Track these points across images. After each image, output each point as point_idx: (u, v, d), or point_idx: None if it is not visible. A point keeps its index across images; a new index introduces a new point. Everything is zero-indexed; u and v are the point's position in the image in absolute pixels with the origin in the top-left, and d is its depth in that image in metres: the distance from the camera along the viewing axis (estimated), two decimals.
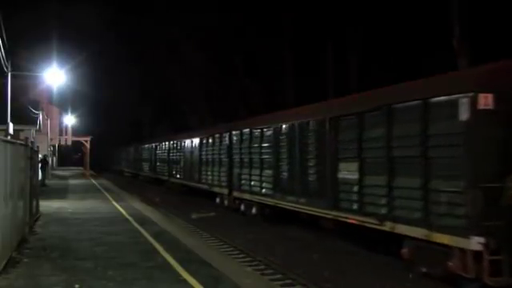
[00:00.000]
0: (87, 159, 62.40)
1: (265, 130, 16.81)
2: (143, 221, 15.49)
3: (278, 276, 10.29)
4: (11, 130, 23.93)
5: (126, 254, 10.13)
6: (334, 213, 12.04)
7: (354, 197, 11.34)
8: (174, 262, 9.36)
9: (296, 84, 35.98)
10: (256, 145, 17.49)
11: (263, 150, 16.86)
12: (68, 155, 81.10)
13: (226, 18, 40.24)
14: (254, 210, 17.64)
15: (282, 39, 36.54)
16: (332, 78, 32.31)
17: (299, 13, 33.80)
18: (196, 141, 25.51)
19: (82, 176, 48.29)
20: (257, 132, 17.54)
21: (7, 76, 24.42)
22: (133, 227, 14.14)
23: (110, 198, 23.40)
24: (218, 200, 21.84)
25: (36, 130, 33.05)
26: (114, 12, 52.62)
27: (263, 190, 16.67)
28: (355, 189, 11.28)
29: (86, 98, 61.68)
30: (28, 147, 13.02)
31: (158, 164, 36.79)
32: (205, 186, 23.54)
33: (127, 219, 15.91)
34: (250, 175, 17.77)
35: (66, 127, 58.80)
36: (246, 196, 18.14)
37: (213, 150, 22.53)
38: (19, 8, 42.00)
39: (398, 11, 26.11)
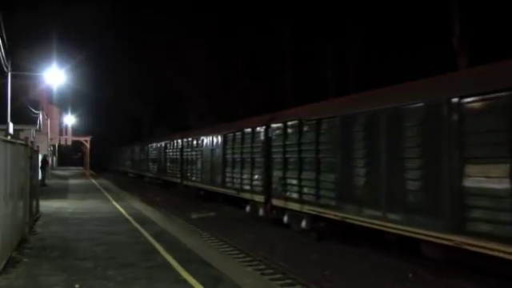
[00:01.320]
0: (87, 159, 62.50)
1: (324, 121, 13.06)
2: (143, 221, 15.49)
3: (278, 276, 10.28)
4: (11, 130, 23.93)
5: (126, 254, 10.12)
6: (458, 238, 8.43)
7: (501, 216, 7.72)
8: (174, 262, 9.35)
9: (296, 84, 36.00)
10: (309, 141, 13.66)
11: (321, 148, 13.04)
12: (68, 155, 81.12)
13: (226, 18, 40.25)
14: (303, 224, 13.96)
15: (281, 39, 36.56)
16: (332, 78, 32.32)
17: (299, 13, 33.82)
18: (218, 137, 21.60)
19: (82, 176, 48.28)
20: (311, 124, 13.66)
21: (7, 76, 24.43)
22: (133, 227, 14.14)
23: (110, 198, 23.39)
24: (248, 208, 18.01)
25: (36, 130, 33.05)
26: (114, 12, 52.71)
27: (321, 200, 12.85)
28: (504, 203, 7.68)
29: (86, 98, 61.77)
30: (28, 147, 13.02)
31: (168, 165, 32.72)
32: (231, 191, 19.65)
33: (127, 219, 15.91)
34: (300, 179, 13.97)
35: (66, 127, 58.86)
36: (293, 205, 14.39)
37: (242, 147, 18.56)
38: (19, 8, 42.02)
39: (398, 11, 26.12)
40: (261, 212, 16.78)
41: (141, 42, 54.79)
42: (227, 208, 21.25)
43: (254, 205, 17.43)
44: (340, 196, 12.03)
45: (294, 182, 14.39)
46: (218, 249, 13.37)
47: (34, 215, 14.54)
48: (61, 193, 25.84)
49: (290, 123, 14.97)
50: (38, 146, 19.32)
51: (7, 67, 23.67)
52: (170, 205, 23.57)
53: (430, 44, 24.42)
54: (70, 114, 59.89)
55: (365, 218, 10.93)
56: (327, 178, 12.66)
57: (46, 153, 36.03)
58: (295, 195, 14.29)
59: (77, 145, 66.83)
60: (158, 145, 36.41)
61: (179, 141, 29.38)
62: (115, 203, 21.03)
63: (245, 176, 18.19)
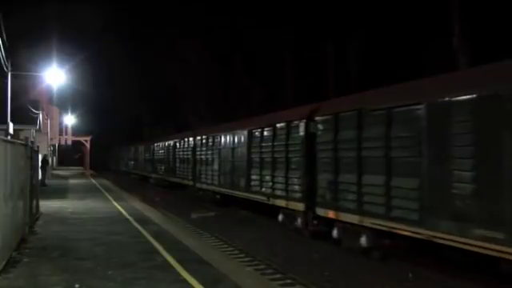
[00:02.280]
0: (87, 159, 62.53)
1: (399, 109, 10.18)
2: (143, 221, 15.48)
3: (278, 276, 10.28)
4: (11, 130, 23.93)
5: (126, 254, 10.12)
6: None
7: None
8: (174, 262, 9.35)
9: (296, 84, 36.01)
10: (375, 135, 10.82)
11: (395, 144, 10.21)
12: (68, 155, 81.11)
13: (226, 18, 40.28)
14: (362, 241, 11.30)
15: (282, 39, 36.57)
16: (332, 78, 32.32)
17: (299, 12, 33.83)
18: (242, 134, 18.84)
19: (82, 176, 48.27)
20: (377, 114, 10.79)
21: (7, 76, 24.42)
22: (133, 227, 14.13)
23: (110, 198, 23.38)
24: (281, 217, 15.38)
25: (36, 130, 33.04)
26: (114, 11, 52.74)
27: (393, 212, 10.09)
28: None
29: (86, 98, 61.84)
30: (28, 147, 13.01)
31: (178, 165, 29.91)
32: (258, 197, 16.90)
33: (127, 219, 15.90)
34: (360, 185, 11.23)
35: (66, 127, 58.91)
36: (348, 217, 11.66)
37: (274, 145, 15.82)
38: (19, 8, 42.03)
39: (399, 11, 26.11)
40: (299, 223, 14.09)
41: (141, 41, 54.89)
42: (227, 208, 21.23)
43: (290, 214, 14.67)
44: (426, 207, 9.16)
45: (351, 187, 11.55)
46: (218, 249, 13.36)
47: (34, 215, 14.53)
48: (61, 193, 25.83)
49: (344, 114, 12.09)
50: (38, 146, 19.33)
51: (7, 67, 23.67)
52: (170, 205, 23.56)
53: (431, 43, 24.42)
54: (69, 114, 59.99)
55: (472, 240, 8.14)
56: (405, 183, 9.78)
57: (46, 153, 36.02)
58: (352, 204, 11.47)
59: (77, 145, 66.86)
60: (166, 144, 33.60)
61: (191, 139, 26.74)
62: (115, 203, 21.03)
63: (278, 179, 15.40)
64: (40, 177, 22.32)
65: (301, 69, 35.12)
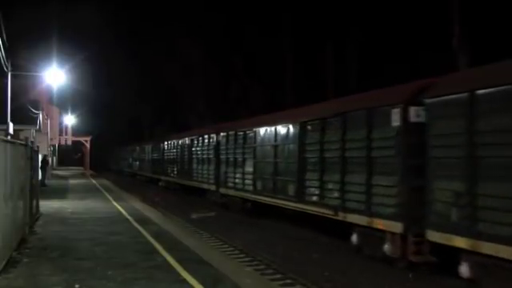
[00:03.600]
0: (87, 159, 62.54)
1: None
2: (143, 221, 15.47)
3: (278, 276, 10.27)
4: (11, 130, 23.93)
5: (126, 254, 10.12)
6: None
7: None
8: (174, 262, 9.35)
9: (296, 84, 36.01)
10: None
11: None
12: (68, 155, 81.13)
13: (226, 18, 40.28)
14: None
15: (281, 39, 36.57)
16: (332, 78, 32.32)
17: (299, 13, 33.83)
18: (290, 128, 15.11)
19: (82, 176, 48.27)
20: None
21: (7, 76, 24.42)
22: (133, 227, 14.13)
23: (110, 198, 23.38)
24: (355, 239, 11.65)
25: (36, 130, 33.03)
26: (114, 12, 52.76)
27: None
28: None
29: (86, 98, 61.86)
30: (28, 147, 13.01)
31: (195, 167, 26.00)
32: (318, 209, 13.07)
33: (127, 219, 15.90)
34: None
35: (66, 127, 58.91)
36: (502, 252, 7.60)
37: (344, 141, 11.95)
38: (19, 8, 42.05)
39: (398, 11, 26.12)
40: (390, 249, 10.28)
41: (140, 41, 54.89)
42: (227, 209, 21.21)
43: (372, 236, 10.89)
44: None
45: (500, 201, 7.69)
46: (218, 249, 13.36)
47: (34, 215, 14.54)
48: (61, 193, 25.83)
49: (491, 91, 8.03)
50: (37, 146, 19.32)
51: (7, 67, 23.66)
52: (170, 205, 23.56)
53: (430, 44, 24.43)
54: (69, 114, 59.98)
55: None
56: None
57: (45, 153, 36.01)
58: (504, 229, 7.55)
59: (77, 145, 66.88)
60: (180, 142, 29.67)
61: (213, 136, 22.84)
62: (115, 203, 21.03)
63: (352, 187, 11.57)
64: (40, 177, 22.33)
65: (301, 68, 35.12)
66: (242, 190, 18.80)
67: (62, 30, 47.28)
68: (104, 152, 73.27)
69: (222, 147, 21.51)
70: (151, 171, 39.29)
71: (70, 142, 61.08)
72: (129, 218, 16.19)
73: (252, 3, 36.97)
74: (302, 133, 14.30)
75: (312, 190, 13.59)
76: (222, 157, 21.39)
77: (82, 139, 61.80)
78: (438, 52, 23.18)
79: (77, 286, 7.68)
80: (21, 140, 12.57)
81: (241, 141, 19.30)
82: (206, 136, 24.25)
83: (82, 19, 51.13)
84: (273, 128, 16.37)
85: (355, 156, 11.60)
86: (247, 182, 18.35)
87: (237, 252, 12.87)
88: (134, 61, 56.47)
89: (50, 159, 40.39)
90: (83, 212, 17.64)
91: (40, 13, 47.05)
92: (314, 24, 32.56)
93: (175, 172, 30.65)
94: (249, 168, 18.30)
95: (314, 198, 13.41)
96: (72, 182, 37.68)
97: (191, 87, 47.52)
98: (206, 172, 23.87)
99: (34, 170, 15.03)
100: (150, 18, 50.50)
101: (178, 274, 8.45)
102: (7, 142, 9.25)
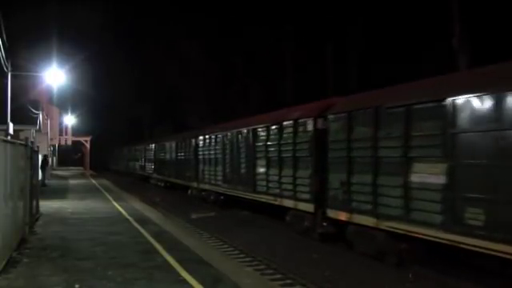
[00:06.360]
0: (87, 159, 62.53)
1: None
2: (143, 221, 15.48)
3: (278, 276, 10.29)
4: (11, 130, 23.93)
5: (126, 254, 10.12)
6: None
7: None
8: (174, 262, 9.35)
9: (296, 83, 36.02)
10: None
11: None
12: (68, 155, 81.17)
13: (226, 18, 40.27)
14: None
15: (281, 39, 36.58)
16: (332, 78, 32.32)
17: (299, 13, 33.84)
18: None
19: (82, 176, 48.28)
20: None
21: (7, 76, 24.41)
22: (133, 227, 14.13)
23: (110, 198, 23.39)
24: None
25: (36, 130, 33.04)
26: (114, 12, 52.80)
27: None
28: None
29: (86, 98, 61.88)
30: (28, 147, 13.01)
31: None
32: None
33: (127, 219, 15.90)
34: None
35: (66, 127, 58.89)
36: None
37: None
38: (19, 8, 42.06)
39: (399, 11, 26.13)
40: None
41: (140, 41, 54.93)
42: (226, 209, 21.21)
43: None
44: None
45: None
46: (218, 249, 13.37)
47: (34, 215, 14.53)
48: (61, 193, 25.84)
49: None
50: (37, 146, 19.31)
51: (7, 67, 23.66)
52: (170, 205, 23.56)
53: (430, 44, 24.43)
54: (70, 114, 59.98)
55: None
56: None
57: (46, 153, 36.02)
58: None
59: (77, 145, 66.88)
60: (228, 134, 20.40)
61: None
62: (115, 203, 21.03)
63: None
64: (40, 177, 22.32)
65: (301, 68, 35.12)
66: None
67: (62, 30, 47.38)
68: (104, 152, 73.22)
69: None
70: (174, 176, 30.63)
71: (69, 142, 61.07)
72: (129, 218, 16.19)
73: (252, 3, 37.01)
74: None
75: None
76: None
77: (81, 139, 61.78)
78: (438, 52, 23.18)
79: (77, 286, 7.68)
80: (21, 140, 12.56)
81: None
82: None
83: (81, 19, 51.18)
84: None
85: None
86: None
87: (237, 252, 12.88)
88: (134, 61, 56.51)
89: (50, 159, 40.40)
90: (83, 212, 17.65)
91: (40, 13, 47.11)
92: (314, 23, 32.58)
93: (220, 178, 21.46)
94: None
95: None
96: (72, 182, 37.68)
97: (191, 87, 47.52)
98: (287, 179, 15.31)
99: (34, 170, 15.03)
100: (150, 18, 50.54)
101: (178, 274, 8.45)
102: (7, 142, 9.25)
